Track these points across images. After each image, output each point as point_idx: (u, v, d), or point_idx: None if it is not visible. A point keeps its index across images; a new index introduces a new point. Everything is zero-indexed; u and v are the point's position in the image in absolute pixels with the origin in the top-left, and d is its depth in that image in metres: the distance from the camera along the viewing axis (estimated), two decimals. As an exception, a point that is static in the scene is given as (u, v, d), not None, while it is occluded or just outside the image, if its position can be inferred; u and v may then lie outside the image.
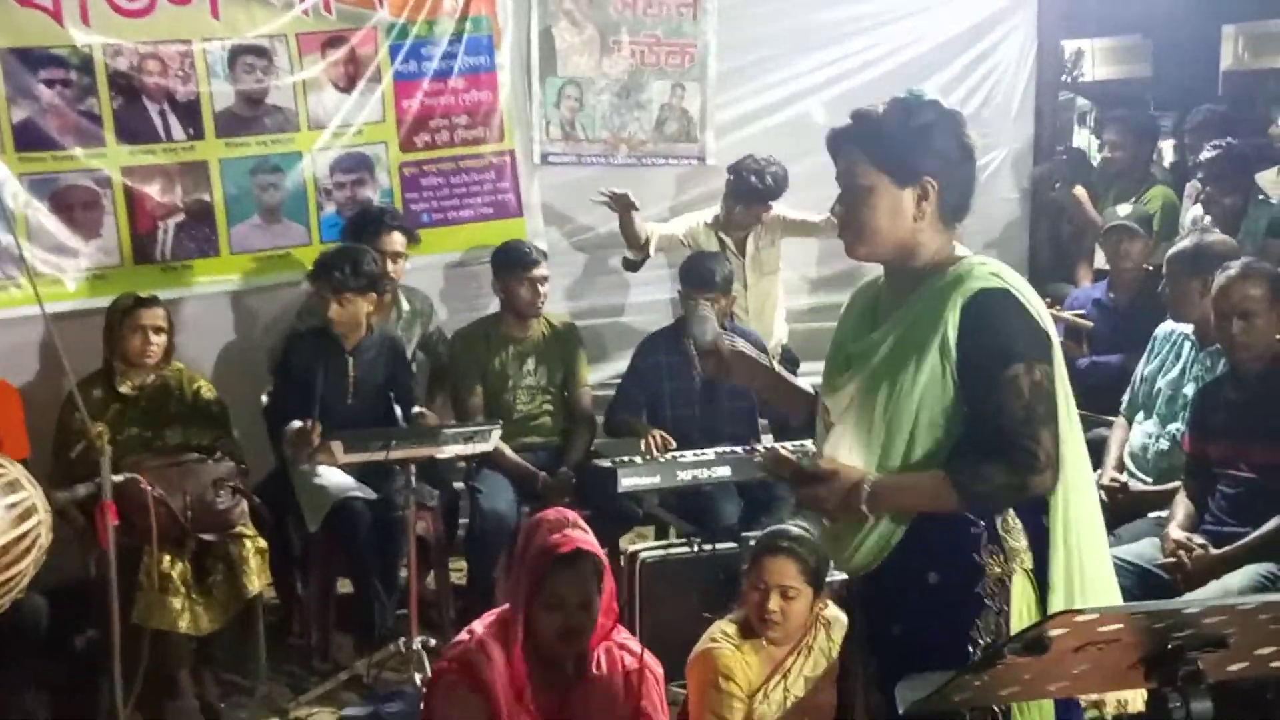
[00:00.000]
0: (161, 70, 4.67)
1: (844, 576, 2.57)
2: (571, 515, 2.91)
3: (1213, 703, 1.65)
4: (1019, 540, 2.27)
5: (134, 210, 4.69)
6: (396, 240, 4.77)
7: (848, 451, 2.30)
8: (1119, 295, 5.07)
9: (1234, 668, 1.73)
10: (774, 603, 3.13)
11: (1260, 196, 5.28)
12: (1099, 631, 1.62)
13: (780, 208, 5.33)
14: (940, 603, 2.27)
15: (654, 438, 4.55)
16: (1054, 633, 1.60)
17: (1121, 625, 1.64)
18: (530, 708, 2.79)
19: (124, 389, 4.29)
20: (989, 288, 2.25)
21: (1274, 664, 1.76)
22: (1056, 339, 2.31)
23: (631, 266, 5.37)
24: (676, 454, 4.46)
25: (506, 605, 2.88)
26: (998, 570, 2.26)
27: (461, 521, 4.71)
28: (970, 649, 2.23)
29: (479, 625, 2.89)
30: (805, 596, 3.15)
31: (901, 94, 2.36)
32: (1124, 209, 5.20)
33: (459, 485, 4.72)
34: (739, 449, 4.44)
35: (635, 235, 5.16)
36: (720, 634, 3.20)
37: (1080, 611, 1.59)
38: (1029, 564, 2.28)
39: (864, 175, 2.31)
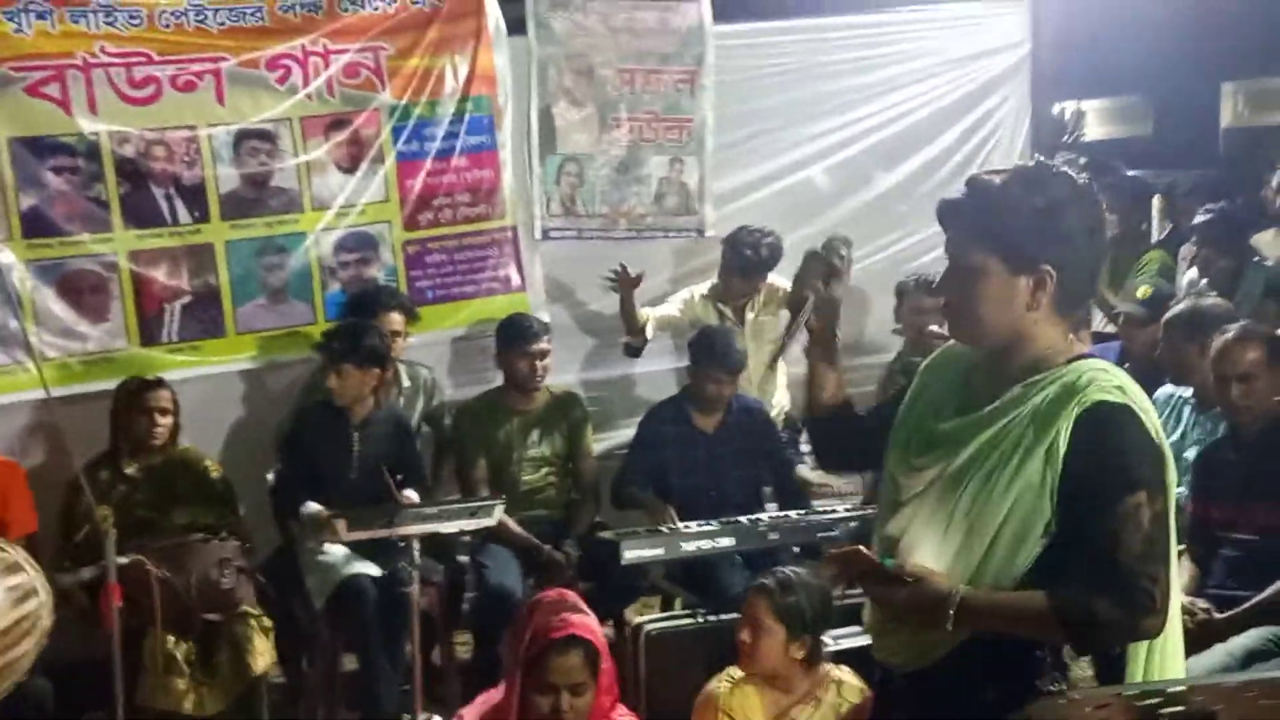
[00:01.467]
0: (167, 155, 4.73)
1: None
2: (571, 597, 2.91)
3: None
4: (1085, 670, 2.12)
5: (141, 293, 4.73)
6: (394, 319, 4.81)
7: (914, 538, 2.09)
8: (1133, 365, 4.98)
9: (1224, 743, 1.74)
10: (744, 634, 3.30)
11: (1256, 259, 5.31)
12: (1087, 713, 1.63)
13: (782, 281, 5.36)
14: None
15: (667, 521, 4.50)
16: (1043, 718, 1.61)
17: (1110, 705, 1.65)
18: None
19: (130, 470, 4.33)
20: (1111, 402, 2.00)
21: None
22: (1171, 459, 2.09)
23: (632, 352, 5.39)
24: (680, 525, 4.46)
25: (503, 684, 2.89)
26: None
27: (467, 595, 4.71)
28: None
29: (469, 710, 2.91)
30: (776, 635, 3.27)
31: (1029, 163, 2.12)
32: (1143, 290, 5.05)
33: (463, 559, 4.72)
34: (743, 519, 4.44)
35: (634, 321, 5.21)
36: (727, 677, 3.37)
37: (1064, 694, 1.59)
38: None
39: (973, 255, 2.06)
